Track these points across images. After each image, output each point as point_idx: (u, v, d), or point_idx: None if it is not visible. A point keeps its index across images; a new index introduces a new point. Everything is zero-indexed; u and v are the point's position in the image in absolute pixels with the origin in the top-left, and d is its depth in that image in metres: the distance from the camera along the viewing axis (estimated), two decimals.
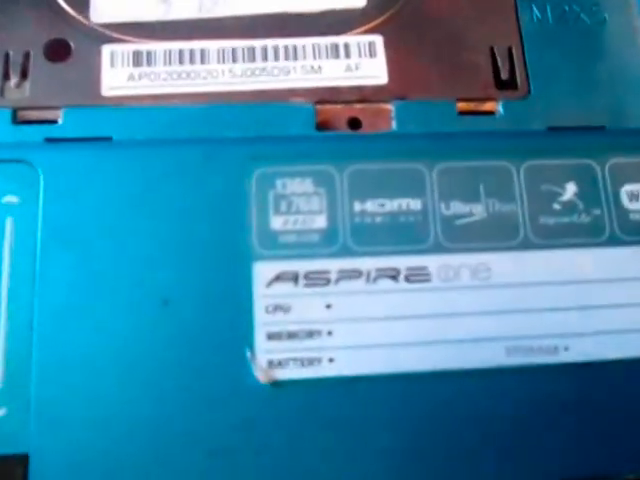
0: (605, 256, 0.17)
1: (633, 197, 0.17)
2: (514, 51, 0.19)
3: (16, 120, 0.18)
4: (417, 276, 0.16)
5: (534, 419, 0.16)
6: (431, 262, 0.16)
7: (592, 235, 0.17)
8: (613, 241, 0.17)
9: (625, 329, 0.17)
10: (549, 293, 0.16)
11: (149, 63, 0.18)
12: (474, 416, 0.16)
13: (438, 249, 0.17)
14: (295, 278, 0.16)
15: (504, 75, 0.19)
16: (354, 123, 0.18)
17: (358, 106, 0.19)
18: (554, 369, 0.16)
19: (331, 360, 0.16)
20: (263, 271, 0.16)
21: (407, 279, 0.16)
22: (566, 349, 0.16)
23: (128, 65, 0.18)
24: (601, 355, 0.16)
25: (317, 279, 0.16)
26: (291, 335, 0.16)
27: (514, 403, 0.16)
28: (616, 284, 0.17)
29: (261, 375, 0.16)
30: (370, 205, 0.17)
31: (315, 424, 0.16)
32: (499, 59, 0.19)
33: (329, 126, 0.18)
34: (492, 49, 0.19)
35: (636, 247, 0.17)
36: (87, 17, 0.19)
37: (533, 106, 0.19)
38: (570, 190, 0.17)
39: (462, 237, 0.17)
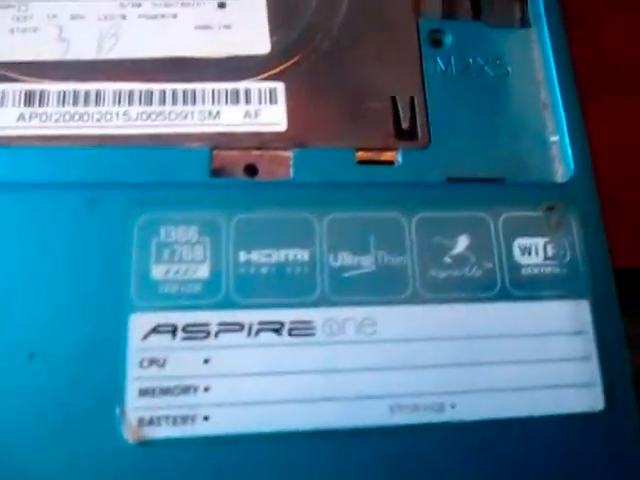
0: (495, 311, 0.17)
1: (525, 251, 0.17)
2: (416, 101, 0.19)
3: None
4: (301, 330, 0.16)
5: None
6: (316, 315, 0.16)
7: (483, 289, 0.17)
8: (504, 296, 0.17)
9: (515, 387, 0.16)
10: (437, 349, 0.16)
11: (41, 103, 0.18)
12: (356, 478, 0.15)
13: (324, 302, 0.16)
14: (173, 331, 0.16)
15: (405, 125, 0.19)
16: (251, 170, 0.18)
17: (256, 152, 0.18)
18: (440, 428, 0.16)
19: (206, 418, 0.15)
20: (139, 323, 0.15)
21: (290, 333, 0.16)
22: (453, 407, 0.16)
23: (19, 105, 0.18)
24: (490, 414, 0.16)
25: (196, 332, 0.16)
26: (165, 391, 0.15)
27: (399, 463, 0.15)
28: (506, 340, 0.16)
29: (130, 434, 0.15)
30: (256, 255, 0.16)
31: None
32: (401, 109, 0.19)
33: (225, 172, 0.18)
34: (394, 99, 0.19)
35: (527, 302, 0.17)
36: None
37: (433, 156, 0.19)
38: (462, 243, 0.17)
39: (349, 290, 0.16)
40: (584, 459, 0.16)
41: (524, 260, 0.17)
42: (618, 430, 0.16)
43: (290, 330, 0.16)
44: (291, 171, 0.18)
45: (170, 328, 0.16)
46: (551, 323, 0.17)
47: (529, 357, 0.16)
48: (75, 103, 0.18)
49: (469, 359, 0.16)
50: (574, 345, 0.17)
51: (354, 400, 0.16)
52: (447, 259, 0.17)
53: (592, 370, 0.17)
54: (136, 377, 0.15)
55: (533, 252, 0.17)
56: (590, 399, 0.16)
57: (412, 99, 0.19)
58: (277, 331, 0.16)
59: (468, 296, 0.17)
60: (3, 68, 0.18)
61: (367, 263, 0.17)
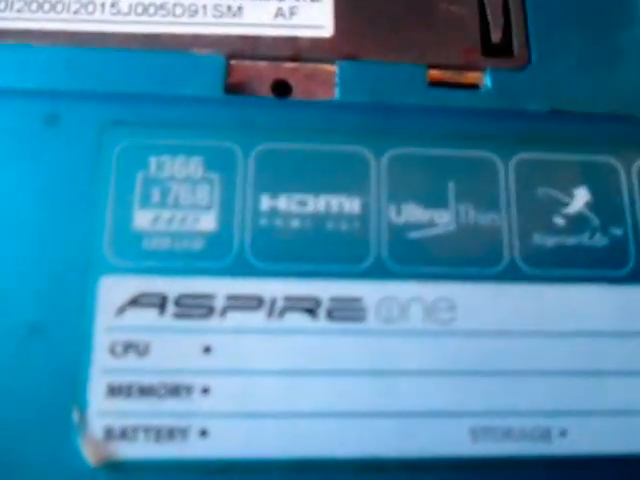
0: (627, 298, 0.12)
1: None
2: (511, 6, 0.14)
3: None
4: (346, 312, 0.11)
5: None
6: (368, 292, 0.11)
7: (610, 266, 0.12)
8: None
9: None
10: (542, 348, 0.11)
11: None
12: None
13: (380, 273, 0.11)
14: (161, 303, 0.11)
15: (495, 37, 0.14)
16: (281, 87, 0.13)
17: (289, 65, 0.13)
18: (542, 463, 0.11)
19: (203, 433, 0.10)
20: (113, 289, 0.11)
21: (331, 315, 0.11)
22: (563, 434, 0.11)
23: None
24: (618, 446, 0.11)
25: (194, 307, 0.11)
26: (145, 391, 0.10)
27: None
28: None
29: (92, 451, 0.10)
30: (285, 202, 0.11)
31: None
32: (490, 14, 0.14)
33: (245, 89, 0.13)
34: (481, 2, 0.14)
35: None
36: None
37: (533, 80, 0.13)
38: (580, 198, 0.12)
39: (417, 257, 0.11)
40: None
41: None
42: None
43: (330, 311, 0.11)
44: (336, 91, 0.13)
45: (157, 300, 0.11)
46: None
47: None
48: None
49: (590, 366, 0.11)
50: None
51: (419, 418, 0.11)
52: (559, 220, 0.12)
53: None
54: (105, 368, 0.10)
55: None
56: None
57: (506, 3, 0.14)
58: (311, 312, 0.11)
59: (589, 274, 0.12)
60: None
61: (444, 220, 0.12)
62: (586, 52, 0.14)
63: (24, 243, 0.11)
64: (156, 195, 0.11)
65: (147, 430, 0.10)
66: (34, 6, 0.13)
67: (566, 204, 0.12)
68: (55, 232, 0.11)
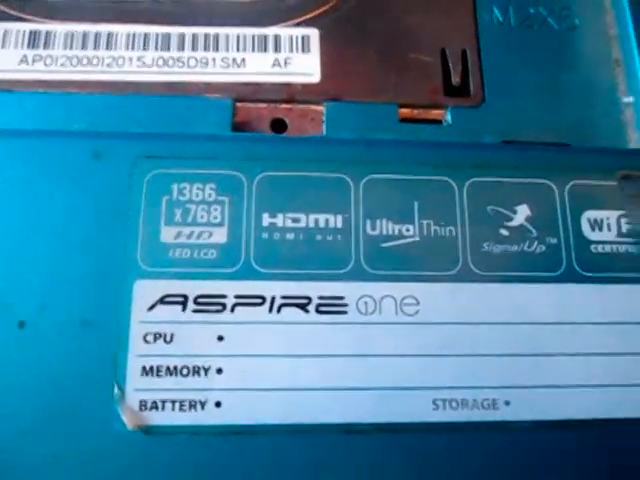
0: (560, 294, 0.14)
1: (596, 225, 0.15)
2: (469, 54, 0.17)
3: None
4: (331, 307, 0.14)
5: None
6: (349, 291, 0.14)
7: (545, 268, 0.14)
8: (570, 276, 0.14)
9: (582, 384, 0.14)
10: (490, 335, 0.14)
11: (46, 45, 0.16)
12: None
13: (359, 275, 0.14)
14: (183, 302, 0.13)
15: (455, 80, 0.17)
16: (278, 125, 0.16)
17: (284, 106, 0.16)
18: (491, 428, 0.13)
19: (218, 404, 0.13)
20: (145, 291, 0.13)
21: (319, 310, 0.14)
22: (507, 404, 0.13)
23: (22, 46, 0.16)
24: (551, 414, 0.13)
25: (210, 304, 0.13)
26: (171, 371, 0.13)
27: (440, 468, 0.13)
28: (574, 328, 0.14)
29: (130, 419, 0.13)
30: (281, 219, 0.14)
31: None
32: (451, 62, 0.17)
33: (249, 127, 0.16)
34: (444, 51, 0.17)
35: (597, 285, 0.14)
36: None
37: (487, 116, 0.16)
38: (522, 213, 0.15)
39: (388, 263, 0.14)
40: None
41: (594, 236, 0.15)
42: None
43: (318, 306, 0.14)
44: (324, 127, 0.16)
45: (180, 299, 0.13)
46: (626, 310, 0.14)
47: (600, 349, 0.14)
48: (84, 46, 0.16)
49: (528, 349, 0.14)
50: None
51: (391, 391, 0.13)
52: (504, 231, 0.14)
53: None
54: (139, 353, 0.13)
55: (605, 227, 0.15)
56: None
57: (464, 52, 0.17)
58: (303, 307, 0.14)
59: (528, 275, 0.14)
60: (5, 4, 0.16)
61: (410, 232, 0.14)
62: (532, 92, 0.17)
63: (75, 253, 0.14)
64: (178, 215, 0.14)
65: (173, 402, 0.13)
66: (74, 61, 0.16)
67: (510, 219, 0.15)
68: (99, 245, 0.14)
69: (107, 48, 0.16)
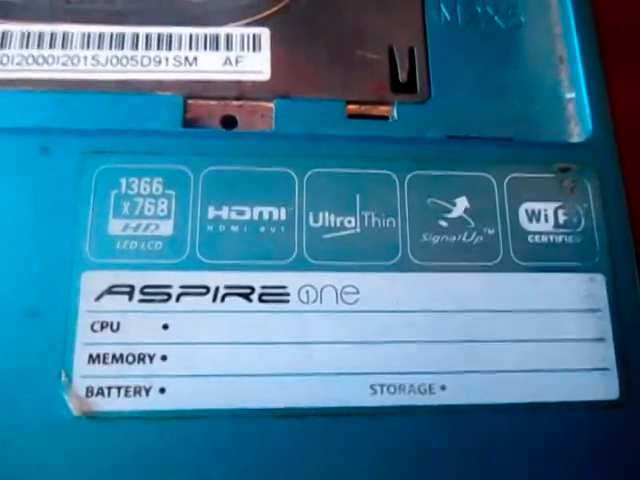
0: (496, 282, 0.15)
1: (533, 217, 0.15)
2: (416, 52, 0.17)
3: None
4: (274, 296, 0.14)
5: (398, 470, 0.14)
6: (291, 280, 0.14)
7: (483, 258, 0.15)
8: (507, 266, 0.15)
9: (516, 369, 0.14)
10: (427, 322, 0.14)
11: (2, 45, 0.16)
12: (327, 464, 0.13)
13: (301, 266, 0.14)
14: (130, 292, 0.14)
15: (402, 77, 0.17)
16: (229, 121, 0.16)
17: (235, 103, 0.17)
18: (427, 411, 0.14)
19: (162, 390, 0.13)
20: (92, 281, 0.14)
21: (261, 299, 0.14)
22: (443, 388, 0.14)
23: None
24: (485, 398, 0.14)
25: (155, 294, 0.14)
26: (117, 358, 0.14)
27: (378, 450, 0.14)
28: (507, 315, 0.14)
29: (76, 404, 0.13)
30: (226, 212, 0.15)
31: (137, 465, 0.13)
32: (398, 60, 0.17)
33: (200, 123, 0.16)
34: (391, 49, 0.17)
35: (533, 274, 0.15)
36: None
37: (432, 111, 0.17)
38: (460, 206, 0.15)
39: (329, 253, 0.14)
40: (594, 454, 0.14)
41: (531, 227, 0.15)
42: (635, 421, 0.14)
43: (261, 296, 0.14)
44: (273, 123, 0.16)
45: (126, 289, 0.14)
46: (560, 298, 0.15)
47: (534, 336, 0.14)
48: (40, 45, 0.16)
49: (464, 335, 0.14)
50: (586, 324, 0.15)
51: (330, 377, 0.14)
52: (443, 223, 0.15)
53: (606, 353, 0.14)
54: (86, 341, 0.14)
55: (542, 218, 0.15)
56: (604, 386, 0.14)
57: (411, 49, 0.17)
58: (246, 296, 0.14)
59: (465, 265, 0.15)
60: None
61: (351, 224, 0.15)
62: (476, 87, 0.17)
63: (23, 246, 0.14)
64: (126, 208, 0.14)
65: (118, 388, 0.13)
66: (30, 59, 0.16)
67: (449, 210, 0.15)
68: (47, 237, 0.14)
69: (62, 47, 0.16)
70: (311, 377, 0.14)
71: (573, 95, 0.17)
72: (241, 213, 0.15)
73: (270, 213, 0.15)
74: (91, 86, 0.16)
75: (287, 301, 0.14)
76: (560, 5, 0.18)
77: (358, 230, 0.15)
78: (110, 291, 0.14)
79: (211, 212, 0.15)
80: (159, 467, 0.13)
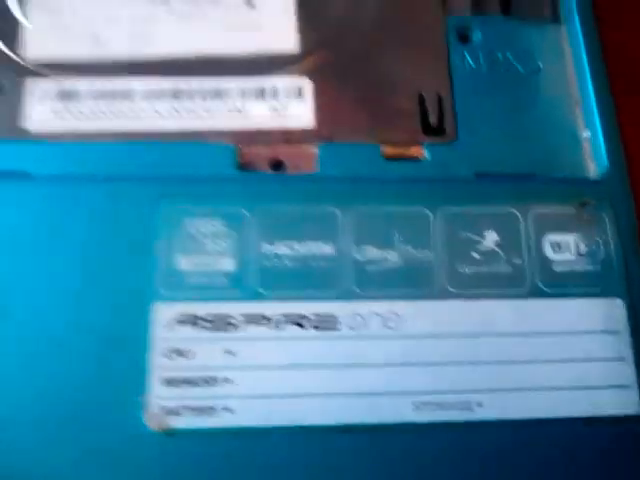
0: (525, 308, 0.16)
1: (556, 247, 0.17)
2: (443, 98, 0.19)
3: None
4: (325, 323, 0.16)
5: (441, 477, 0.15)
6: (340, 309, 0.16)
7: (512, 286, 0.16)
8: (534, 292, 0.16)
9: (545, 387, 0.16)
10: (463, 345, 0.16)
11: (75, 99, 0.18)
12: (377, 475, 0.15)
13: (348, 296, 0.16)
14: (197, 321, 0.16)
15: (432, 121, 0.19)
16: (277, 165, 0.18)
17: (282, 148, 0.18)
18: (465, 426, 0.15)
19: (228, 410, 0.15)
20: (163, 312, 0.16)
21: (314, 326, 0.16)
22: (479, 405, 0.15)
23: (54, 101, 0.18)
24: (518, 414, 0.15)
25: (220, 323, 0.16)
26: (188, 381, 0.15)
27: (421, 461, 0.15)
28: (536, 338, 0.16)
29: (153, 422, 0.15)
30: (280, 248, 0.16)
31: (207, 476, 0.15)
32: (428, 105, 0.19)
33: (251, 167, 0.18)
34: (421, 95, 0.19)
35: (558, 300, 0.16)
36: (19, 53, 0.19)
37: (460, 152, 0.18)
38: (490, 239, 0.17)
39: (374, 284, 0.16)
40: (617, 465, 0.15)
41: (555, 257, 0.17)
42: None
43: (314, 323, 0.16)
44: (317, 166, 0.18)
45: (194, 319, 0.16)
46: (583, 321, 0.16)
47: (560, 356, 0.16)
48: (107, 99, 0.18)
49: (497, 357, 0.16)
50: (608, 345, 0.16)
51: (377, 396, 0.15)
52: (475, 255, 0.17)
53: (627, 371, 0.16)
54: (160, 366, 0.15)
55: (564, 248, 0.17)
56: (624, 402, 0.16)
57: (439, 96, 0.19)
58: (300, 324, 0.16)
59: (496, 292, 0.16)
60: (39, 66, 0.19)
61: (392, 257, 0.16)
62: (499, 128, 0.19)
63: (103, 281, 0.16)
64: (192, 246, 0.16)
65: (189, 408, 0.15)
66: (99, 113, 0.18)
67: (480, 243, 0.17)
68: (123, 273, 0.16)
69: (127, 101, 0.18)
70: (359, 397, 0.15)
71: (588, 134, 0.19)
72: (293, 248, 0.16)
73: (319, 248, 0.16)
74: (154, 136, 0.18)
75: (338, 328, 0.16)
76: (574, 51, 0.20)
77: (398, 262, 0.16)
78: (180, 321, 0.16)
79: (266, 248, 0.16)
80: (225, 477, 0.15)
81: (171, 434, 0.15)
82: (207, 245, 0.16)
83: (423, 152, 0.18)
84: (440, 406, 0.15)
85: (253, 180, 0.17)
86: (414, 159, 0.18)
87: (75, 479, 0.15)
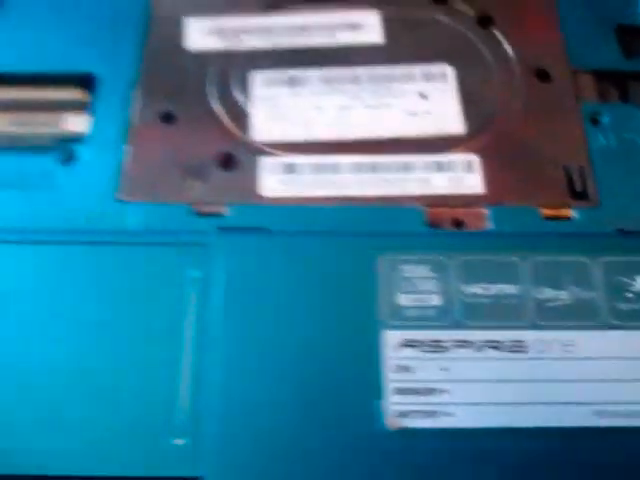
0: None
1: None
2: (585, 169, 0.24)
3: (195, 213, 0.23)
4: (516, 348, 0.20)
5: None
6: (528, 337, 0.20)
7: None
8: None
9: None
10: (628, 366, 0.20)
11: (296, 172, 0.24)
12: (565, 471, 0.19)
13: (533, 326, 0.20)
14: (417, 345, 0.20)
15: (578, 188, 0.24)
16: (459, 223, 0.23)
17: (461, 210, 0.23)
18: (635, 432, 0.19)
19: (447, 414, 0.19)
20: (391, 338, 0.20)
21: (508, 349, 0.20)
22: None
23: (280, 173, 0.24)
24: None
25: (435, 346, 0.20)
26: (414, 391, 0.20)
27: (606, 461, 0.19)
28: None
29: (390, 422, 0.19)
30: (476, 288, 0.21)
31: (433, 467, 0.19)
32: (573, 175, 0.24)
33: (437, 225, 0.23)
34: (567, 167, 0.24)
35: None
36: (251, 137, 0.25)
37: (603, 212, 0.23)
38: (639, 281, 0.21)
39: (552, 317, 0.21)
40: None
41: None
42: None
43: (507, 347, 0.20)
44: (490, 224, 0.23)
45: (415, 343, 0.20)
46: None
47: None
48: (321, 172, 0.24)
49: None
50: None
51: (563, 405, 0.19)
52: (629, 294, 0.21)
53: None
54: (391, 379, 0.20)
55: None
56: None
57: (581, 167, 0.24)
58: (497, 348, 0.20)
59: None
60: (266, 146, 0.24)
61: (563, 296, 0.21)
62: (634, 193, 0.23)
63: (340, 316, 0.20)
64: (407, 286, 0.21)
65: (418, 412, 0.19)
66: (316, 183, 0.23)
67: (632, 285, 0.21)
68: (355, 307, 0.21)
69: (337, 173, 0.24)
70: (548, 405, 0.19)
71: None
72: (486, 289, 0.21)
73: (507, 289, 0.21)
74: (358, 201, 0.23)
75: (526, 351, 0.20)
76: None
77: (569, 300, 0.21)
78: (403, 344, 0.20)
79: (465, 288, 0.21)
80: (451, 469, 0.19)
81: (405, 432, 0.19)
82: (419, 285, 0.21)
83: (573, 213, 0.23)
84: (616, 414, 0.19)
85: (443, 235, 0.22)
86: (567, 219, 0.23)
87: (324, 466, 0.19)
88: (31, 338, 0.21)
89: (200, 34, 0.27)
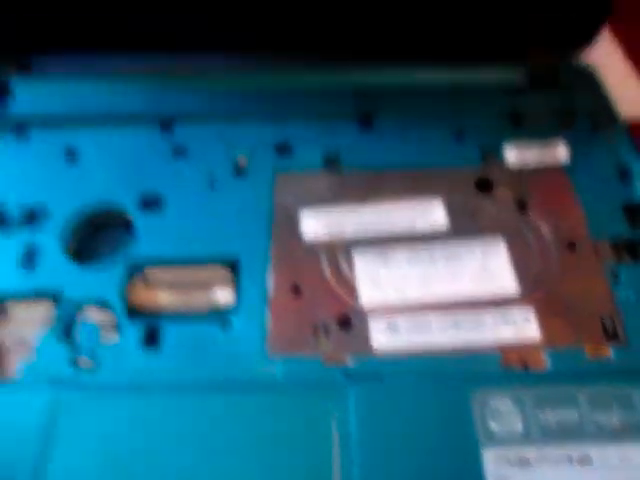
0: None
1: None
2: (614, 316, 0.32)
3: (325, 364, 0.31)
4: (584, 460, 0.27)
5: None
6: (592, 451, 0.27)
7: None
8: None
9: None
10: None
11: (398, 329, 0.32)
12: None
13: (595, 443, 0.27)
14: (508, 461, 0.27)
15: (611, 332, 0.31)
16: (525, 365, 0.30)
17: (524, 353, 0.31)
18: None
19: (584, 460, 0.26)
20: (490, 456, 0.27)
21: (577, 462, 0.27)
22: None
23: (386, 331, 0.32)
24: None
25: (523, 462, 0.27)
26: None
27: None
28: None
29: None
30: (548, 414, 0.28)
31: None
32: (606, 322, 0.31)
33: (510, 366, 0.30)
34: (602, 317, 0.32)
35: None
36: (359, 302, 0.33)
37: (633, 352, 0.30)
38: None
39: (609, 435, 0.27)
40: None
41: None
42: None
43: (577, 460, 0.27)
44: (548, 364, 0.30)
45: (507, 459, 0.27)
46: None
47: None
48: (416, 329, 0.32)
49: None
50: None
51: None
52: None
53: None
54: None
55: None
56: None
57: (612, 318, 0.32)
58: (570, 461, 0.27)
59: None
60: (372, 309, 0.32)
61: (615, 419, 0.28)
62: None
63: (447, 440, 0.27)
64: (494, 414, 0.28)
65: None
66: (412, 338, 0.31)
67: None
68: (458, 432, 0.27)
69: (427, 328, 0.31)
70: None
71: None
72: (555, 414, 0.28)
73: (569, 413, 0.28)
74: (449, 350, 0.31)
75: (591, 463, 0.27)
76: None
77: (618, 422, 0.28)
78: (498, 461, 0.27)
79: (539, 414, 0.28)
80: None
81: None
82: (504, 413, 0.28)
83: (609, 352, 0.30)
84: None
85: (516, 375, 0.30)
86: (605, 356, 0.30)
87: None
88: None
89: (312, 226, 0.36)
